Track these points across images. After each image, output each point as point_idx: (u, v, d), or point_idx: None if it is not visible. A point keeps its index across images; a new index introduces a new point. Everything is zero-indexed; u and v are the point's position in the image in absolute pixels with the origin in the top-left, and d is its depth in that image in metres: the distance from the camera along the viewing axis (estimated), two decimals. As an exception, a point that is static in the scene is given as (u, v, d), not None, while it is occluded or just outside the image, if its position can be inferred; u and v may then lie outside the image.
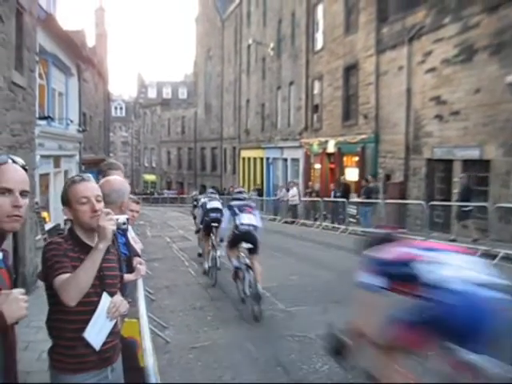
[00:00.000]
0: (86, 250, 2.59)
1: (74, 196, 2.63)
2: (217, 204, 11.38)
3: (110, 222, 2.50)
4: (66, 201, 2.67)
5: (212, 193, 12.76)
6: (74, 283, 2.36)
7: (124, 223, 2.71)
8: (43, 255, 2.55)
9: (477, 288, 3.05)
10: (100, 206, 2.65)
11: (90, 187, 2.66)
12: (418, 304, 3.32)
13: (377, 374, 3.73)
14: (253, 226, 8.45)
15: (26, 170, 2.23)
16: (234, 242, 8.62)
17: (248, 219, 8.45)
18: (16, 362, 2.16)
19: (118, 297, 2.74)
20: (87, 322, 2.52)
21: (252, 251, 8.24)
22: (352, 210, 20.53)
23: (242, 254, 8.47)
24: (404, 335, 3.35)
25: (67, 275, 2.41)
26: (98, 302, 2.55)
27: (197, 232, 13.51)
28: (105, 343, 2.60)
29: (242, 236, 8.42)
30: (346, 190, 21.36)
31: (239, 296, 8.53)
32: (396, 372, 3.56)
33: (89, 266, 2.40)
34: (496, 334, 3.00)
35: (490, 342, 3.01)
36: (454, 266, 3.23)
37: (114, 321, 2.67)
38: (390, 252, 3.60)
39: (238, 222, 8.40)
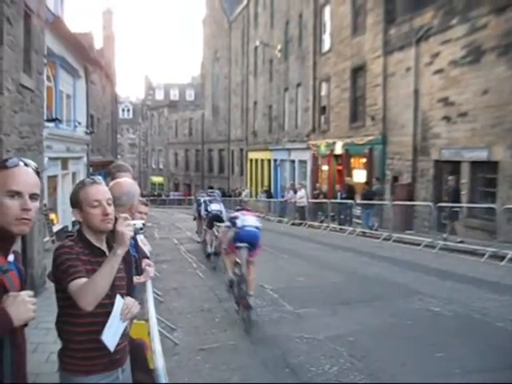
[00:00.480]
0: (96, 252, 2.61)
1: (85, 199, 2.62)
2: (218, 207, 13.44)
3: (128, 227, 2.49)
4: (76, 203, 2.65)
5: (211, 193, 14.44)
6: (92, 289, 2.34)
7: (141, 228, 2.70)
8: (55, 259, 2.53)
9: (250, 226, 7.90)
10: (111, 209, 2.65)
11: (102, 190, 2.66)
12: (235, 232, 7.94)
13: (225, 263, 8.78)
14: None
15: (38, 173, 2.23)
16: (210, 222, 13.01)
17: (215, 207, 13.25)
18: (25, 363, 2.17)
19: (130, 299, 2.74)
20: (96, 324, 2.51)
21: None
22: (359, 211, 20.53)
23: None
24: (231, 245, 8.08)
25: (83, 280, 2.40)
26: (108, 305, 2.54)
27: (194, 219, 17.00)
28: (117, 345, 2.60)
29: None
30: (350, 191, 21.29)
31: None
32: (229, 262, 8.40)
33: (106, 271, 2.39)
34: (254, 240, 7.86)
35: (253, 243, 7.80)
36: (245, 219, 8.03)
37: (127, 322, 2.67)
38: (234, 214, 8.36)
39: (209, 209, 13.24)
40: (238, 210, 8.62)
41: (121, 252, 2.44)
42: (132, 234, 2.51)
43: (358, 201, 20.38)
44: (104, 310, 2.52)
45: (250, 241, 7.86)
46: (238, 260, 8.10)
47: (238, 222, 7.95)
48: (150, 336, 4.02)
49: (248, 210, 8.95)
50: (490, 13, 14.36)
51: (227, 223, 8.63)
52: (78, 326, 2.51)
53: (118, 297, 2.61)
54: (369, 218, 18.98)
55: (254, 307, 7.33)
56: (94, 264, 2.52)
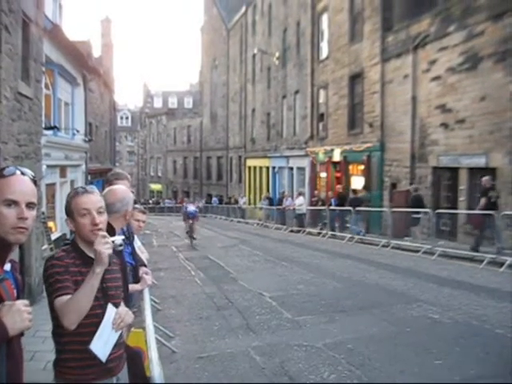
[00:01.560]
0: (88, 262, 2.57)
1: (75, 208, 2.62)
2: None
3: (105, 245, 2.46)
4: (69, 212, 2.66)
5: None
6: (73, 308, 2.35)
7: (121, 244, 2.66)
8: (44, 271, 2.53)
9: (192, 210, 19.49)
10: (102, 218, 2.63)
11: (92, 199, 2.64)
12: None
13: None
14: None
15: (35, 181, 2.22)
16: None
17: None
18: (21, 372, 2.15)
19: (123, 308, 2.72)
20: (91, 334, 2.50)
21: None
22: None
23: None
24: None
25: (67, 297, 2.39)
26: (101, 314, 2.54)
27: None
28: (110, 354, 2.58)
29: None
30: (341, 198, 21.86)
31: None
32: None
33: (87, 290, 2.39)
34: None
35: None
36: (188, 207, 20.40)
37: (120, 332, 2.65)
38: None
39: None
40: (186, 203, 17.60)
41: (100, 271, 2.43)
42: (110, 251, 2.49)
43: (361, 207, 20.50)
44: (97, 320, 2.52)
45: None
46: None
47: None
48: (147, 344, 4.01)
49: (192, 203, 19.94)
50: (486, 20, 14.42)
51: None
52: (71, 336, 2.49)
53: (110, 306, 2.59)
54: (356, 225, 19.55)
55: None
56: (84, 275, 2.50)
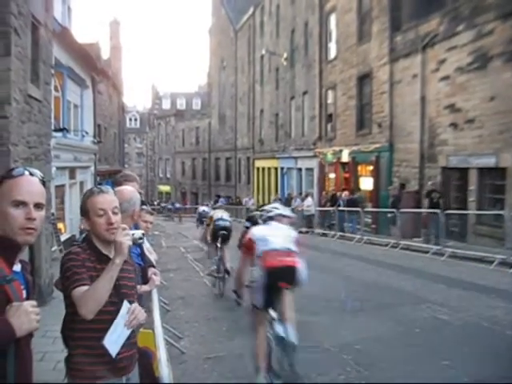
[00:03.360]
0: (103, 259, 2.63)
1: (91, 207, 2.68)
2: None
3: (126, 237, 2.56)
4: (84, 212, 2.72)
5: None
6: (92, 297, 2.40)
7: (140, 238, 2.75)
8: (62, 265, 2.58)
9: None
10: (117, 218, 2.69)
11: (108, 199, 2.70)
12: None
13: None
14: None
15: (44, 182, 2.24)
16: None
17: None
18: (31, 373, 2.16)
19: (137, 306, 2.73)
20: (103, 331, 2.52)
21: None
22: (367, 219, 20.50)
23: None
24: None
25: (85, 288, 2.45)
26: (114, 312, 2.56)
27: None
28: (121, 352, 2.60)
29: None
30: (333, 200, 23.08)
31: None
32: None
33: (106, 280, 2.45)
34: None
35: None
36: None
37: (131, 330, 2.65)
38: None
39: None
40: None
41: (119, 261, 2.51)
42: (130, 243, 2.59)
43: (369, 208, 20.54)
44: (110, 317, 2.54)
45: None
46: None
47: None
48: (156, 345, 4.03)
49: None
50: (496, 19, 14.34)
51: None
52: (83, 332, 2.54)
53: (125, 303, 2.62)
54: (353, 223, 20.79)
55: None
56: (99, 271, 2.55)
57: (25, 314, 1.95)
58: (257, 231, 5.44)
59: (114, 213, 2.69)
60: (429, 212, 15.97)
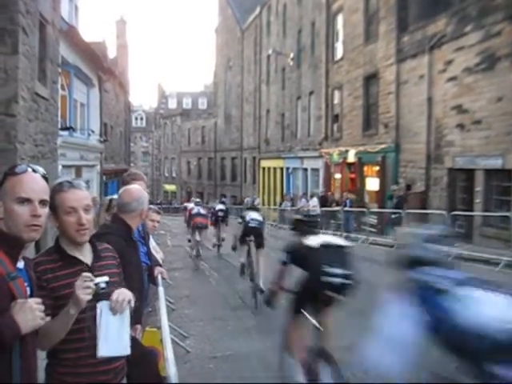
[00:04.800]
0: (72, 262, 2.44)
1: (60, 205, 2.41)
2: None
3: (85, 290, 2.22)
4: (53, 208, 2.38)
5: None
6: (44, 335, 2.20)
7: (103, 288, 2.31)
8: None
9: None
10: (88, 216, 2.44)
11: (80, 196, 2.44)
12: None
13: None
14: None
15: (46, 179, 2.23)
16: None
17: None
18: (36, 371, 2.16)
19: (116, 291, 2.44)
20: (82, 341, 2.37)
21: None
22: (372, 220, 20.45)
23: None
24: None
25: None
26: (92, 316, 2.37)
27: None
28: (102, 364, 2.41)
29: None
30: (323, 201, 23.86)
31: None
32: None
33: (59, 326, 2.25)
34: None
35: None
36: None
37: (127, 317, 2.42)
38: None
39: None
40: None
41: (75, 312, 2.24)
42: (89, 297, 2.25)
43: (375, 209, 20.47)
44: (87, 324, 2.38)
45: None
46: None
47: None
48: (162, 343, 4.02)
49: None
50: (504, 20, 14.26)
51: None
52: (62, 344, 2.34)
53: (99, 304, 2.36)
54: (349, 223, 21.22)
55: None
56: (68, 276, 2.38)
57: (30, 311, 1.95)
58: None
59: (86, 211, 2.43)
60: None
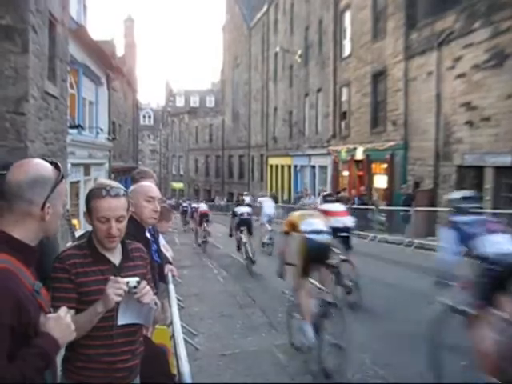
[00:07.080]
0: (101, 260, 2.47)
1: (94, 210, 2.44)
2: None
3: (117, 290, 2.26)
4: (88, 209, 2.48)
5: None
6: None
7: (135, 287, 2.33)
8: (52, 271, 2.40)
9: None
10: (120, 226, 2.45)
11: (113, 206, 2.43)
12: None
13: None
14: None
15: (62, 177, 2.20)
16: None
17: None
18: (56, 375, 2.15)
19: (144, 282, 2.44)
20: (102, 338, 2.39)
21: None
22: (381, 217, 20.40)
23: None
24: None
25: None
26: (113, 318, 2.38)
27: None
28: (119, 362, 2.45)
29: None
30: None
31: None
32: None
33: (83, 322, 2.27)
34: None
35: None
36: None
37: (148, 306, 2.41)
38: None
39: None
40: None
41: (101, 311, 2.27)
42: (119, 299, 2.27)
43: (383, 206, 20.43)
44: (110, 324, 2.39)
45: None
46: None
47: None
48: (171, 341, 4.04)
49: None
50: (513, 16, 14.20)
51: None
52: (82, 339, 2.34)
53: (131, 280, 2.34)
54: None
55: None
56: (96, 273, 2.42)
57: (66, 327, 1.92)
58: None
59: (119, 221, 2.43)
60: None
